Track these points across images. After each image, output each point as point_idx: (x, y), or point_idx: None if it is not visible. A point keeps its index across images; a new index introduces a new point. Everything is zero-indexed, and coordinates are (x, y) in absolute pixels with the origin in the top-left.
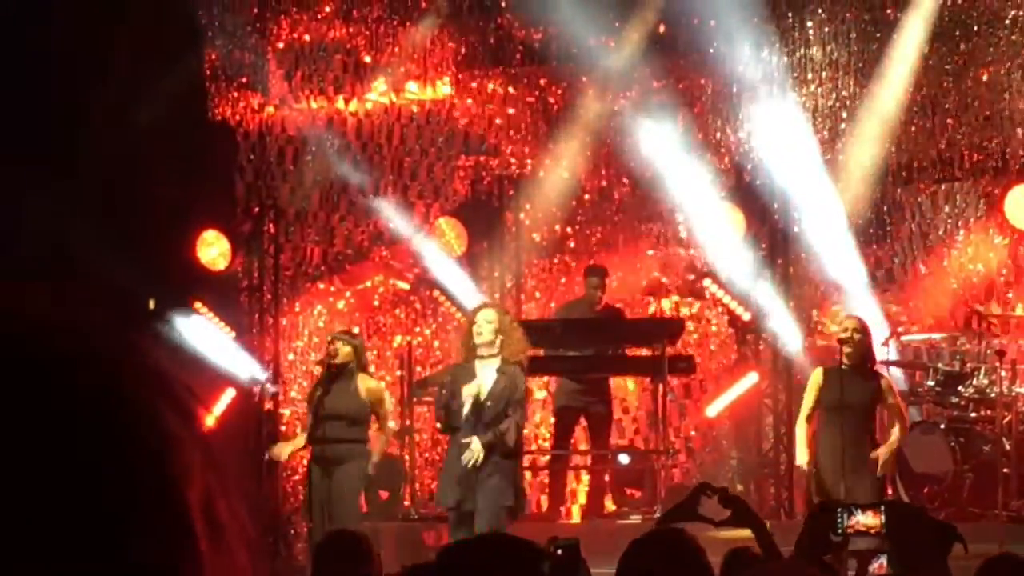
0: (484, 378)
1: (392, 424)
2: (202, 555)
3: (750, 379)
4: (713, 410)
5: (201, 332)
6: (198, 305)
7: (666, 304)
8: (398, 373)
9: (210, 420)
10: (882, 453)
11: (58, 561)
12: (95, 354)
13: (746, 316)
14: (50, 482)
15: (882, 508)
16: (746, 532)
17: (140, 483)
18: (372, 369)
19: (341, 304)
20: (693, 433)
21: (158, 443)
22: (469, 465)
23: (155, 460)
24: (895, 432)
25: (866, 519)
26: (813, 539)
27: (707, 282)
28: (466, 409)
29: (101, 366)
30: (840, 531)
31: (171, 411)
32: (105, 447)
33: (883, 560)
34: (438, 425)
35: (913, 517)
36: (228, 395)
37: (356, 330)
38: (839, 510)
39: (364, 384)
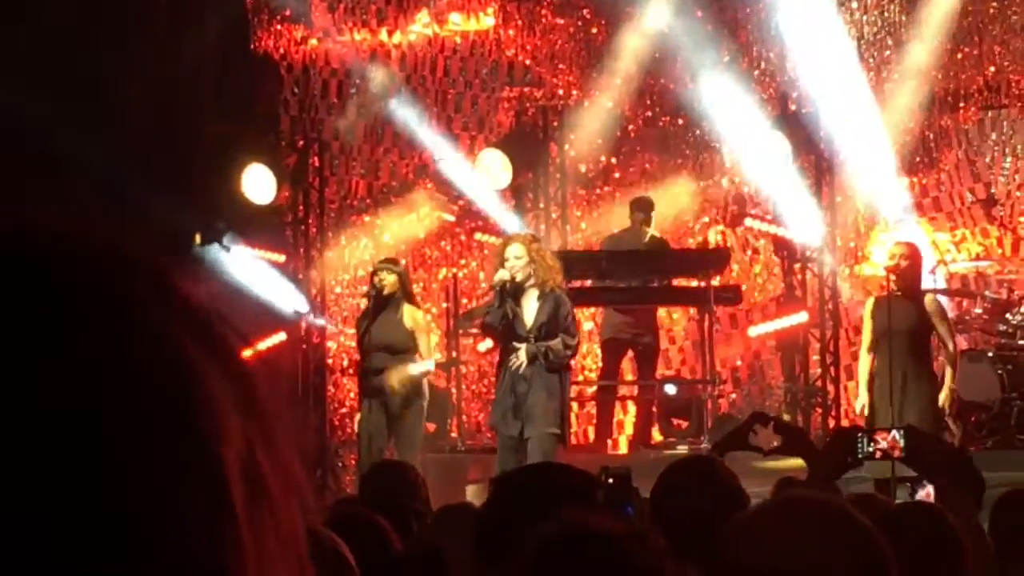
0: (527, 309)
1: (427, 364)
2: (239, 527)
3: (799, 316)
4: (755, 331)
5: (247, 266)
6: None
7: (712, 234)
8: (444, 305)
9: (252, 356)
10: (943, 398)
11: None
12: (110, 280)
13: (793, 245)
14: (35, 441)
15: (902, 433)
16: (798, 461)
17: (160, 443)
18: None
19: (386, 237)
20: (739, 363)
21: (185, 393)
22: (514, 368)
23: (181, 415)
24: (948, 371)
25: (885, 443)
26: (830, 462)
27: (750, 219)
28: (495, 282)
29: (115, 293)
30: (860, 454)
31: (206, 355)
32: (111, 393)
33: (930, 489)
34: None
35: (932, 443)
36: (277, 338)
37: (399, 260)
38: (859, 434)
39: (410, 314)
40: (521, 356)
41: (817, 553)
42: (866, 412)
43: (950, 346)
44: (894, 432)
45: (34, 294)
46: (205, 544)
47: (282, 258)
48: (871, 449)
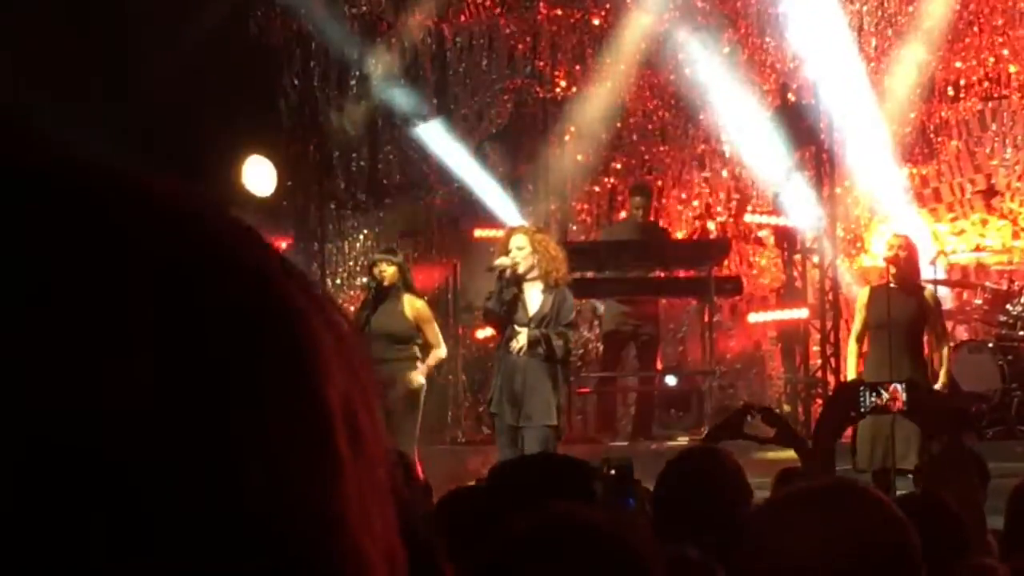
0: (531, 301)
1: (440, 352)
2: (345, 469)
3: (800, 312)
4: (755, 318)
5: None
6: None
7: (711, 226)
8: (449, 296)
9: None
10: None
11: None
12: (211, 227)
13: (793, 236)
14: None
15: (903, 386)
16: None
17: (270, 378)
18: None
19: (386, 229)
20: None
21: (292, 330)
22: (514, 353)
23: (289, 350)
24: (943, 370)
25: (887, 396)
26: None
27: (749, 215)
28: (499, 262)
29: (218, 238)
30: (863, 408)
31: (308, 302)
32: (219, 329)
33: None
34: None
35: (933, 397)
36: None
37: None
38: (862, 388)
39: (410, 304)
40: (521, 339)
41: (847, 540)
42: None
43: (944, 348)
44: (896, 385)
45: (142, 242)
46: (313, 486)
47: (284, 245)
48: (875, 401)
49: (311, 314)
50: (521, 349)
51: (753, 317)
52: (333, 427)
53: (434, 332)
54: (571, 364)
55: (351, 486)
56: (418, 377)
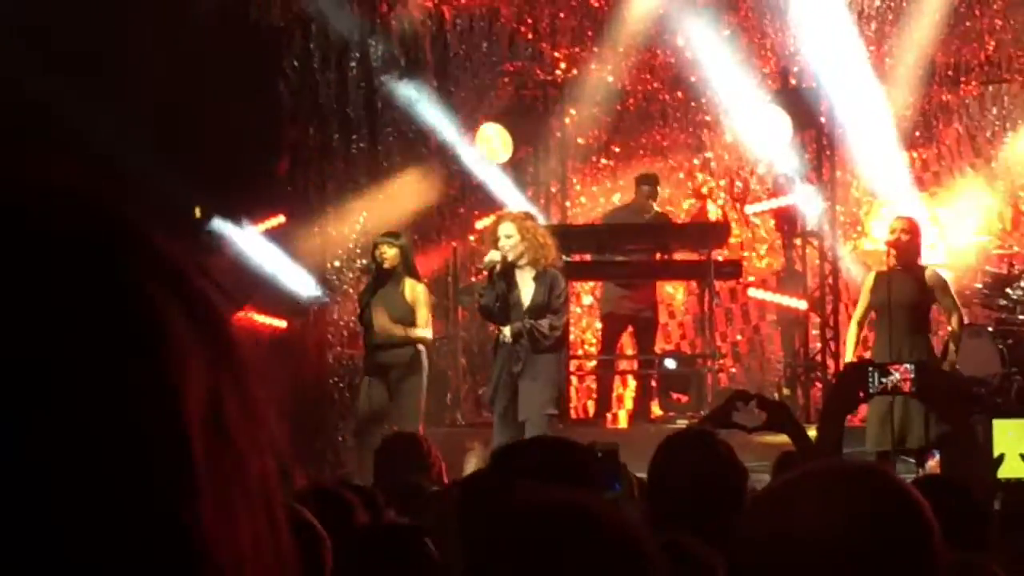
0: (523, 289)
1: (424, 332)
2: (197, 467)
3: (799, 303)
4: (754, 293)
5: (248, 240)
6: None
7: (712, 208)
8: (449, 280)
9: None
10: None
11: None
12: (79, 225)
13: (794, 220)
14: None
15: (913, 367)
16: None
17: (114, 377)
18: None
19: (387, 210)
20: (740, 338)
21: (142, 329)
22: (505, 345)
23: (137, 350)
24: (951, 347)
25: (897, 377)
26: (842, 396)
27: (750, 206)
28: (486, 264)
29: (82, 237)
30: (872, 388)
31: (174, 300)
32: (66, 326)
33: (938, 457)
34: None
35: (943, 377)
36: (277, 322)
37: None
38: (870, 368)
39: (411, 287)
40: (506, 332)
41: (856, 518)
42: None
43: (954, 318)
44: (906, 365)
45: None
46: (157, 482)
47: (281, 219)
48: (884, 382)
49: (174, 318)
50: (505, 338)
51: (753, 292)
52: (184, 423)
53: (425, 317)
54: (568, 342)
55: (203, 480)
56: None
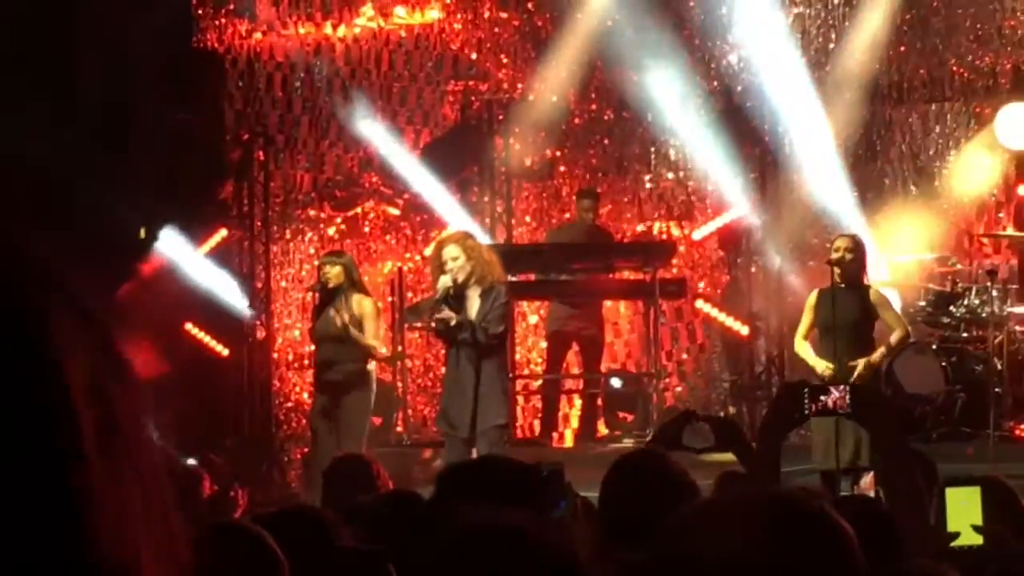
0: (472, 307)
1: (374, 343)
2: (85, 445)
3: (742, 329)
4: (701, 305)
5: (194, 262)
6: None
7: (657, 227)
8: (389, 299)
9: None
10: (860, 363)
11: None
12: None
13: (739, 238)
14: None
15: (847, 389)
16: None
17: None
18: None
19: (332, 231)
20: (685, 356)
21: (23, 320)
22: (438, 324)
23: (17, 337)
24: (881, 349)
25: (831, 399)
26: (778, 417)
27: (697, 228)
28: (440, 292)
29: None
30: (805, 410)
31: (54, 299)
32: None
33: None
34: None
35: (877, 399)
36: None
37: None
38: (805, 390)
39: (357, 302)
40: (445, 316)
41: (769, 541)
42: (828, 372)
43: (896, 333)
44: (842, 386)
45: None
46: (50, 464)
47: (224, 232)
48: (818, 403)
49: (54, 311)
50: (442, 322)
51: (700, 304)
52: (71, 403)
53: (373, 329)
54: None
55: (93, 459)
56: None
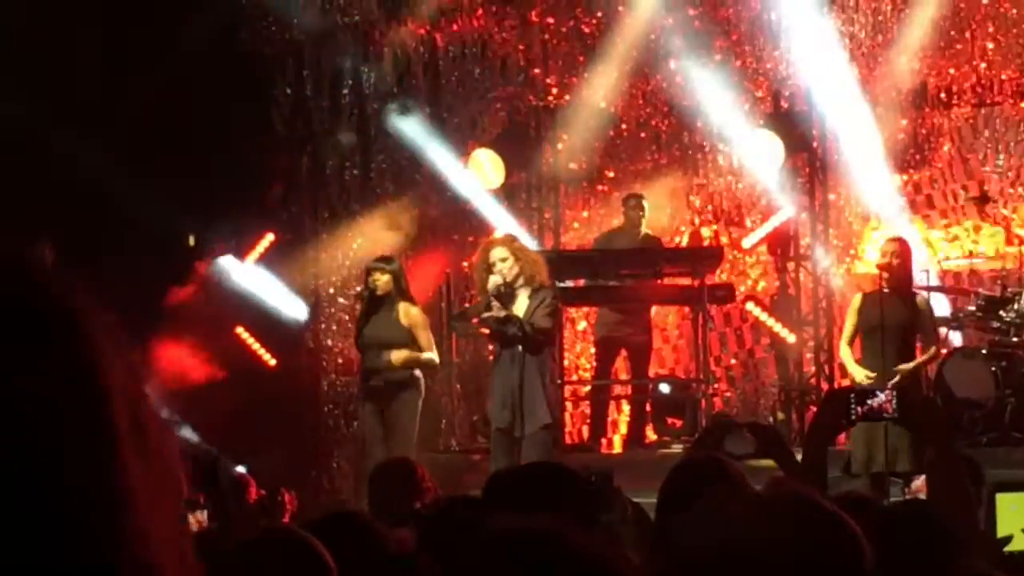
0: (519, 306)
1: (432, 355)
2: (124, 446)
3: (789, 336)
4: (751, 307)
5: (245, 270)
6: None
7: (705, 233)
8: (442, 306)
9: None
10: (902, 368)
11: None
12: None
13: (787, 243)
14: None
15: (894, 394)
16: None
17: (47, 366)
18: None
19: (379, 237)
20: (734, 361)
21: (72, 327)
22: (488, 315)
23: (68, 343)
24: (922, 356)
25: (878, 403)
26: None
27: (746, 236)
28: (491, 289)
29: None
30: (852, 415)
31: (71, 293)
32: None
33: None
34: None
35: (924, 403)
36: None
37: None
38: (851, 395)
39: (405, 311)
40: (495, 309)
41: (781, 542)
42: (868, 382)
43: (933, 347)
44: (888, 392)
45: None
46: (91, 458)
47: (271, 237)
48: (865, 407)
49: (94, 322)
50: (496, 316)
51: (750, 306)
52: (111, 401)
53: (427, 339)
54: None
55: (133, 464)
56: (412, 354)
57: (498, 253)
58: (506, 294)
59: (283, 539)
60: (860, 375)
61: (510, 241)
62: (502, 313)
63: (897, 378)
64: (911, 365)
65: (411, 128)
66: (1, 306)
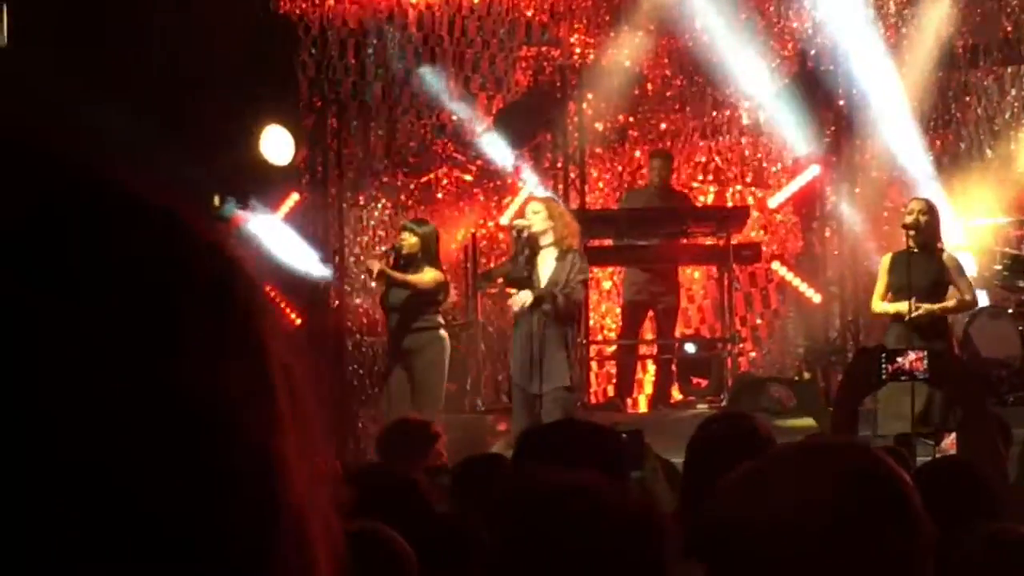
0: (544, 266)
1: (414, 279)
2: (285, 416)
3: (815, 296)
4: (776, 266)
5: (269, 230)
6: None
7: (731, 192)
8: (467, 266)
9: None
10: (926, 306)
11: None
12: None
13: (813, 202)
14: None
15: (925, 354)
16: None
17: (217, 323)
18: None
19: (405, 197)
20: (759, 322)
21: (223, 272)
22: (515, 309)
23: (235, 303)
24: (955, 302)
25: (908, 363)
26: (855, 381)
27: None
28: (517, 222)
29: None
30: (882, 374)
31: (256, 287)
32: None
33: (954, 436)
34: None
35: (954, 364)
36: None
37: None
38: (882, 354)
39: (427, 273)
40: (524, 297)
41: (826, 498)
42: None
43: (967, 296)
44: (918, 351)
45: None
46: (262, 425)
47: (296, 196)
48: (896, 367)
49: (258, 291)
50: (520, 303)
51: (776, 266)
52: (276, 378)
53: (417, 278)
54: (584, 322)
55: (291, 434)
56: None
57: (533, 206)
58: (531, 252)
59: (369, 540)
60: (904, 307)
61: (549, 200)
62: (530, 299)
63: (921, 311)
64: (937, 307)
65: (436, 87)
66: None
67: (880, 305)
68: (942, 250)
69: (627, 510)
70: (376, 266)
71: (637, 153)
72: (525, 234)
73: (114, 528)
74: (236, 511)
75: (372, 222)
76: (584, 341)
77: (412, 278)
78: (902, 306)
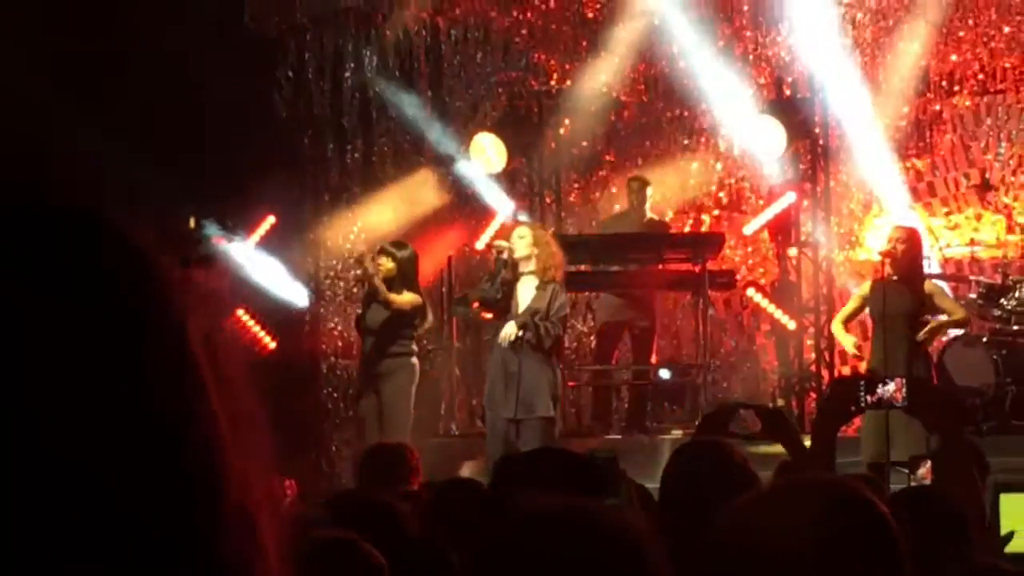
0: (523, 294)
1: (395, 299)
2: (207, 392)
3: (789, 323)
4: (752, 293)
5: (245, 252)
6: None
7: (706, 219)
8: (443, 290)
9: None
10: (924, 330)
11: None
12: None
13: (788, 230)
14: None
15: (904, 382)
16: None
17: (131, 303)
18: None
19: (381, 220)
20: (734, 346)
21: (148, 271)
22: (504, 344)
23: (149, 286)
24: (947, 317)
25: (890, 389)
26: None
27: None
28: (499, 242)
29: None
30: (861, 403)
31: (158, 260)
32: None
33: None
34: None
35: (934, 390)
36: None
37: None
38: (861, 382)
39: (405, 296)
40: (509, 328)
41: (824, 534)
42: (858, 352)
43: (958, 315)
44: (896, 379)
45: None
46: (185, 417)
47: (272, 220)
48: (874, 395)
49: (172, 275)
50: (507, 338)
51: (751, 292)
52: (190, 343)
53: (395, 298)
54: (562, 355)
55: (211, 393)
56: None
57: (520, 231)
58: (511, 277)
59: (333, 544)
60: (849, 343)
61: (537, 227)
62: (515, 335)
63: (927, 329)
64: (935, 324)
65: (413, 112)
66: (86, 257)
67: (838, 328)
68: (922, 279)
69: (623, 531)
70: (372, 269)
71: (613, 179)
72: (505, 255)
73: (86, 516)
74: (176, 495)
75: (347, 244)
76: (559, 366)
77: (392, 296)
78: (848, 341)
